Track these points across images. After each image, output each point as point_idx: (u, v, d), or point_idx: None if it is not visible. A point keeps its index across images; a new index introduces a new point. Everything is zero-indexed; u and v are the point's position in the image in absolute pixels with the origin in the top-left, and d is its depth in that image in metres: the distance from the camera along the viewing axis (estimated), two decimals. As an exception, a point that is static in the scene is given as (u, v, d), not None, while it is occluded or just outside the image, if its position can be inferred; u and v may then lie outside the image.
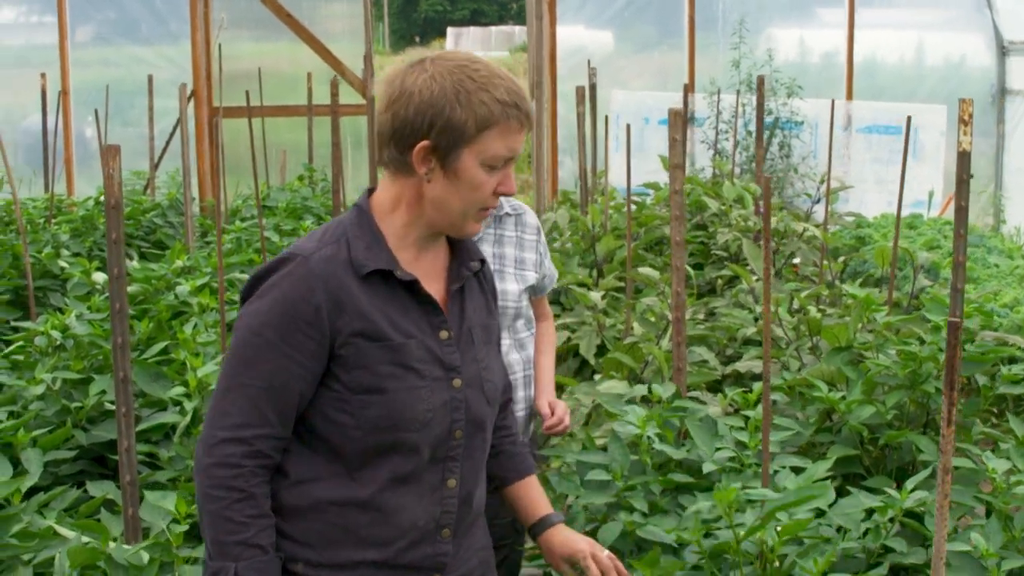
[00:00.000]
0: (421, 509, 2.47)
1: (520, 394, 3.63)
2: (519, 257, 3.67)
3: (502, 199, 3.55)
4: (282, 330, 2.35)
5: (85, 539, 3.14)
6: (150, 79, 10.26)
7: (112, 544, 3.03)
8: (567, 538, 2.79)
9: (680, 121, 3.95)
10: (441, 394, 2.45)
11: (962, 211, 3.72)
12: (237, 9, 12.51)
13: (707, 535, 3.23)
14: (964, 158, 3.64)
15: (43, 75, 10.44)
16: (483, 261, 2.65)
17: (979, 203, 11.71)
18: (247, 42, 12.79)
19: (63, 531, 3.28)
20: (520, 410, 3.63)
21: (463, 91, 2.38)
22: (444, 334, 2.49)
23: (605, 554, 2.77)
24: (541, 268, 3.72)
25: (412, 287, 2.46)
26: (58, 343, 4.95)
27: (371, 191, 2.55)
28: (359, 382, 2.38)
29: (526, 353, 3.68)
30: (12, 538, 3.11)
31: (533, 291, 3.72)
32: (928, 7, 12.85)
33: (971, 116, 3.60)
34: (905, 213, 10.31)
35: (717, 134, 11.06)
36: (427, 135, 2.39)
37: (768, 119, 11.51)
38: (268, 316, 2.36)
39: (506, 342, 3.58)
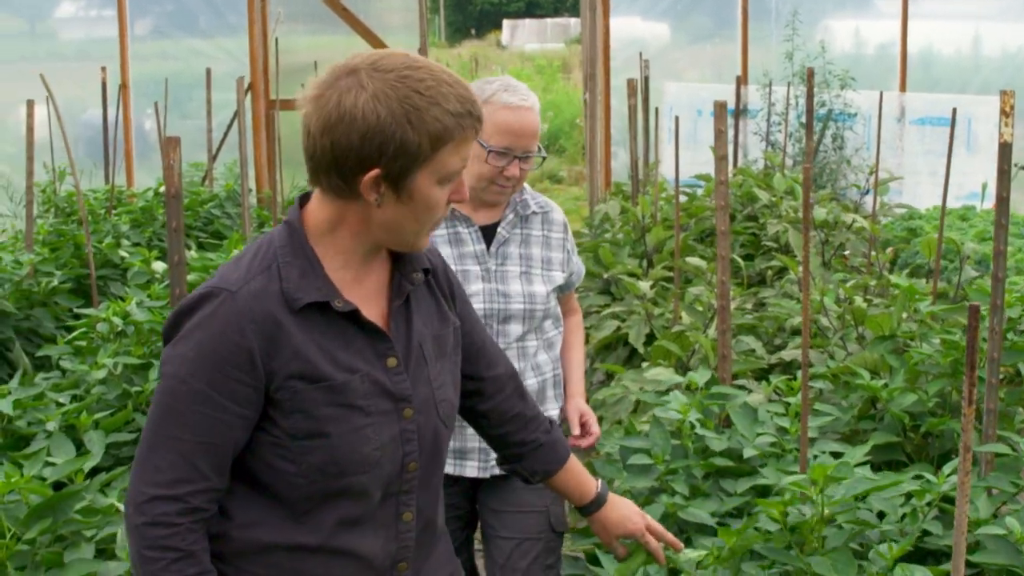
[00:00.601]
0: (377, 548, 2.31)
1: (550, 393, 3.62)
2: (546, 257, 3.60)
3: (528, 197, 3.59)
4: (211, 378, 2.14)
5: (145, 516, 3.26)
6: (208, 72, 10.42)
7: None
8: (622, 516, 2.77)
9: (725, 113, 4.03)
10: (390, 429, 2.27)
11: (1003, 201, 3.76)
12: (293, 3, 12.67)
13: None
14: (1005, 149, 3.69)
15: (103, 68, 10.65)
16: (427, 270, 2.41)
17: (1033, 195, 11.66)
18: (303, 35, 12.95)
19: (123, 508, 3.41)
20: (552, 408, 3.62)
21: (413, 109, 2.12)
22: (392, 361, 2.29)
23: (648, 522, 2.80)
24: (568, 266, 3.67)
25: (353, 317, 2.25)
26: (119, 329, 5.10)
27: (303, 199, 2.31)
28: (298, 427, 2.19)
29: (555, 352, 3.65)
30: (76, 514, 3.24)
31: (560, 289, 3.67)
32: (984, -3, 12.83)
33: (1012, 107, 3.64)
34: (959, 205, 10.30)
35: (769, 126, 11.10)
36: (376, 163, 2.14)
37: (821, 111, 11.54)
38: (195, 363, 2.14)
39: (533, 343, 3.56)
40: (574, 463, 2.77)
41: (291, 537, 2.24)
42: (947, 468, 3.35)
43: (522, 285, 3.52)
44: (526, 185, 3.61)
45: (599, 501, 2.76)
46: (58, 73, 11.04)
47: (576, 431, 3.56)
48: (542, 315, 3.55)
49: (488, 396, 2.66)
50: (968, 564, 3.15)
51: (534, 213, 3.60)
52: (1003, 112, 3.67)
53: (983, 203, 11.08)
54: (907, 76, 12.26)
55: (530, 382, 3.53)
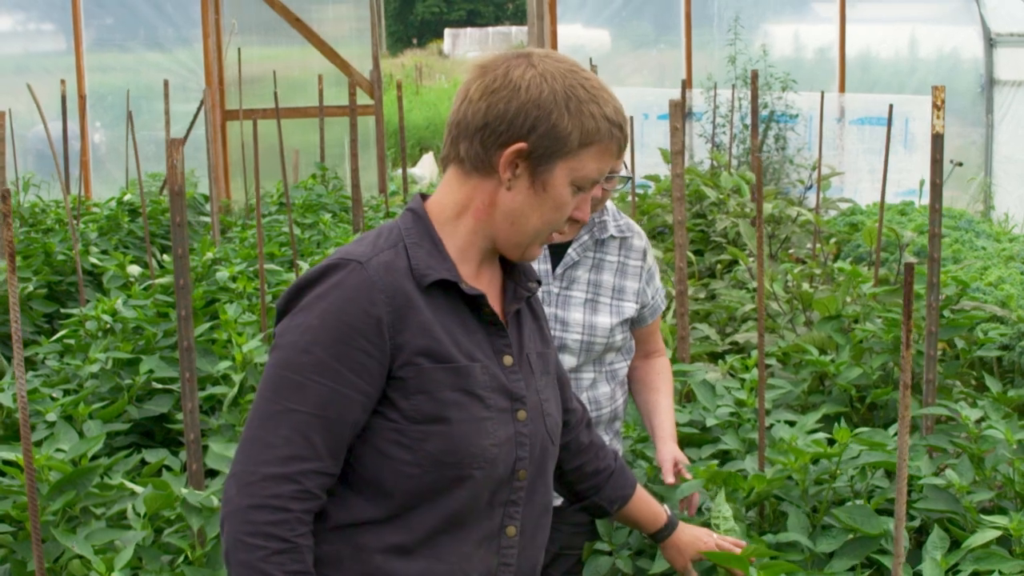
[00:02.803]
0: (476, 559, 2.18)
1: (602, 429, 3.32)
2: (619, 286, 3.29)
3: (608, 219, 3.29)
4: (336, 347, 2.03)
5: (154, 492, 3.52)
6: (166, 84, 10.59)
7: (184, 490, 3.41)
8: (693, 536, 2.79)
9: (680, 112, 4.34)
10: (506, 427, 2.17)
11: (937, 187, 4.09)
12: (247, 14, 12.89)
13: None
14: (937, 140, 4.02)
15: (63, 81, 10.82)
16: (539, 282, 2.37)
17: (970, 190, 12.10)
18: (257, 47, 13.15)
19: (132, 486, 3.66)
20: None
21: (574, 98, 2.12)
22: (508, 359, 2.22)
23: (715, 539, 2.84)
24: (642, 297, 3.33)
25: (477, 303, 2.19)
26: (108, 326, 5.34)
27: (423, 197, 2.26)
28: (420, 409, 2.08)
29: (617, 382, 3.34)
30: (95, 488, 3.49)
31: (633, 323, 3.36)
32: (919, 1, 13.24)
33: (943, 102, 3.97)
34: (898, 200, 10.71)
35: (714, 128, 11.46)
36: (525, 137, 2.11)
37: (764, 112, 11.91)
38: (319, 331, 2.04)
39: (589, 375, 3.26)
40: (643, 492, 2.74)
41: (389, 539, 2.12)
42: (891, 430, 3.67)
43: (584, 314, 3.23)
44: (609, 204, 3.33)
45: (672, 524, 2.77)
46: (-3, 88, 11.16)
47: (670, 480, 3.26)
48: (602, 348, 3.26)
49: (569, 428, 2.59)
50: (912, 512, 3.49)
51: (612, 237, 3.29)
52: (935, 105, 4.00)
53: (921, 199, 11.49)
54: (847, 78, 12.69)
55: None
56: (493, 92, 2.12)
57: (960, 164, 11.65)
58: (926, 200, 11.36)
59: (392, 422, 2.09)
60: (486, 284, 2.25)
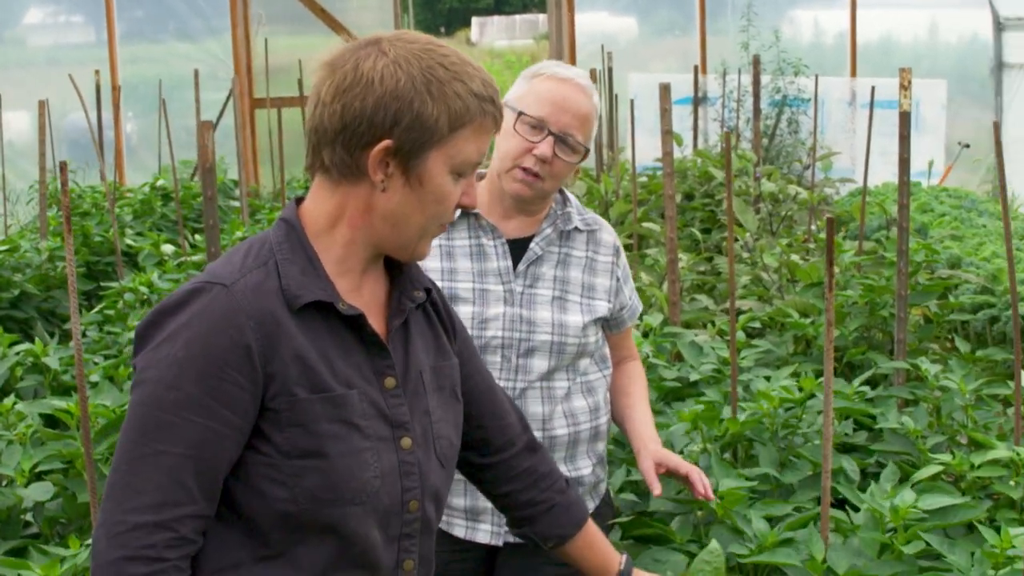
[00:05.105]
0: None
1: (583, 448, 3.04)
2: (588, 283, 3.02)
3: (572, 210, 3.04)
4: (206, 381, 1.85)
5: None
6: (196, 73, 10.98)
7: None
8: None
9: (668, 94, 4.71)
10: (388, 457, 2.00)
11: (904, 162, 4.44)
12: (274, 5, 13.28)
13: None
14: (904, 117, 4.37)
15: (97, 71, 11.23)
16: (428, 290, 2.17)
17: (979, 172, 12.40)
18: (284, 36, 13.52)
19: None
20: (586, 467, 3.05)
21: (434, 80, 1.94)
22: (390, 382, 2.03)
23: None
24: (618, 297, 3.07)
25: (356, 323, 2.00)
26: (145, 297, 5.76)
27: (299, 201, 2.06)
28: (295, 443, 1.91)
29: (596, 399, 3.05)
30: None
31: (607, 325, 3.09)
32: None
33: (910, 83, 4.32)
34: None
35: (723, 112, 11.82)
36: (389, 133, 1.93)
37: (776, 97, 12.25)
38: (186, 364, 1.86)
39: (563, 384, 2.98)
40: (593, 529, 2.45)
41: None
42: (856, 382, 4.05)
43: (552, 312, 2.96)
44: (572, 198, 3.08)
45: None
46: (29, 79, 11.45)
47: (656, 491, 2.97)
48: (575, 351, 2.98)
49: (496, 448, 2.36)
50: (873, 453, 3.88)
51: (577, 230, 3.04)
52: (902, 86, 4.35)
53: (929, 180, 11.81)
54: (863, 62, 13.01)
55: (559, 432, 2.98)
56: (346, 91, 1.94)
57: (967, 146, 11.95)
58: (935, 180, 11.78)
59: (265, 456, 1.92)
60: (368, 297, 2.08)
